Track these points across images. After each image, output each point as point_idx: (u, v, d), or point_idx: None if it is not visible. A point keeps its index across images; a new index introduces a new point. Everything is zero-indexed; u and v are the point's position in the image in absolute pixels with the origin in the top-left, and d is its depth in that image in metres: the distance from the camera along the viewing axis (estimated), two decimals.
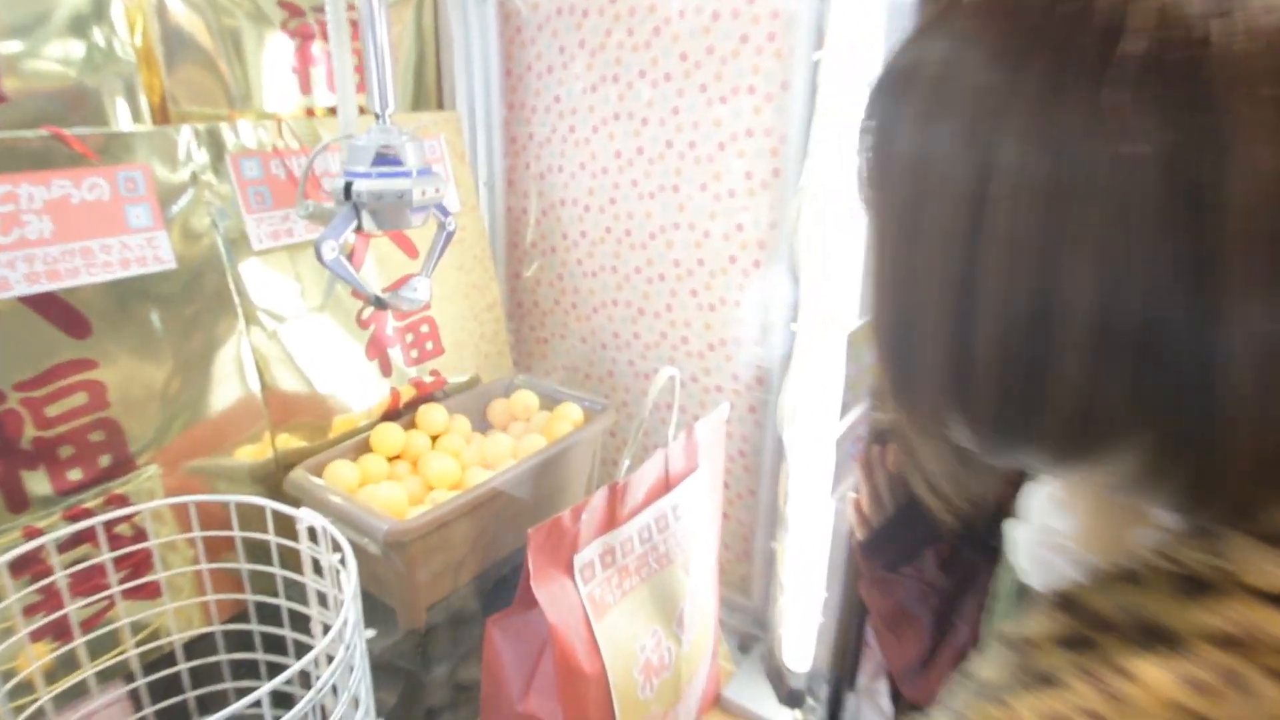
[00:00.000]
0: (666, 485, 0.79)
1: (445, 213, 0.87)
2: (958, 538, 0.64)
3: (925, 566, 0.64)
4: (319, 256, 0.76)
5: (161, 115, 0.82)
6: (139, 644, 0.74)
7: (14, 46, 0.71)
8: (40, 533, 0.69)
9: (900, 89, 0.35)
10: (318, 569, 0.68)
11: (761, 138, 0.95)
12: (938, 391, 0.34)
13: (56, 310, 0.70)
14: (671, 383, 0.79)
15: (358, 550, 0.77)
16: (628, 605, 0.74)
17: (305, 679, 0.72)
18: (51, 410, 0.71)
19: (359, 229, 0.80)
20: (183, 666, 0.75)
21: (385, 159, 0.78)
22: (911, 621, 0.63)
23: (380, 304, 0.82)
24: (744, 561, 1.11)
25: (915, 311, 0.34)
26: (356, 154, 0.79)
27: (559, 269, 1.20)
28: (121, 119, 0.79)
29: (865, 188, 0.37)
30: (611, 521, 0.73)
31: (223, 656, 0.77)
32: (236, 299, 0.82)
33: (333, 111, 0.95)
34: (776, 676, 1.03)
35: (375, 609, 0.85)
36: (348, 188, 0.78)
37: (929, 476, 0.42)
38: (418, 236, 1.00)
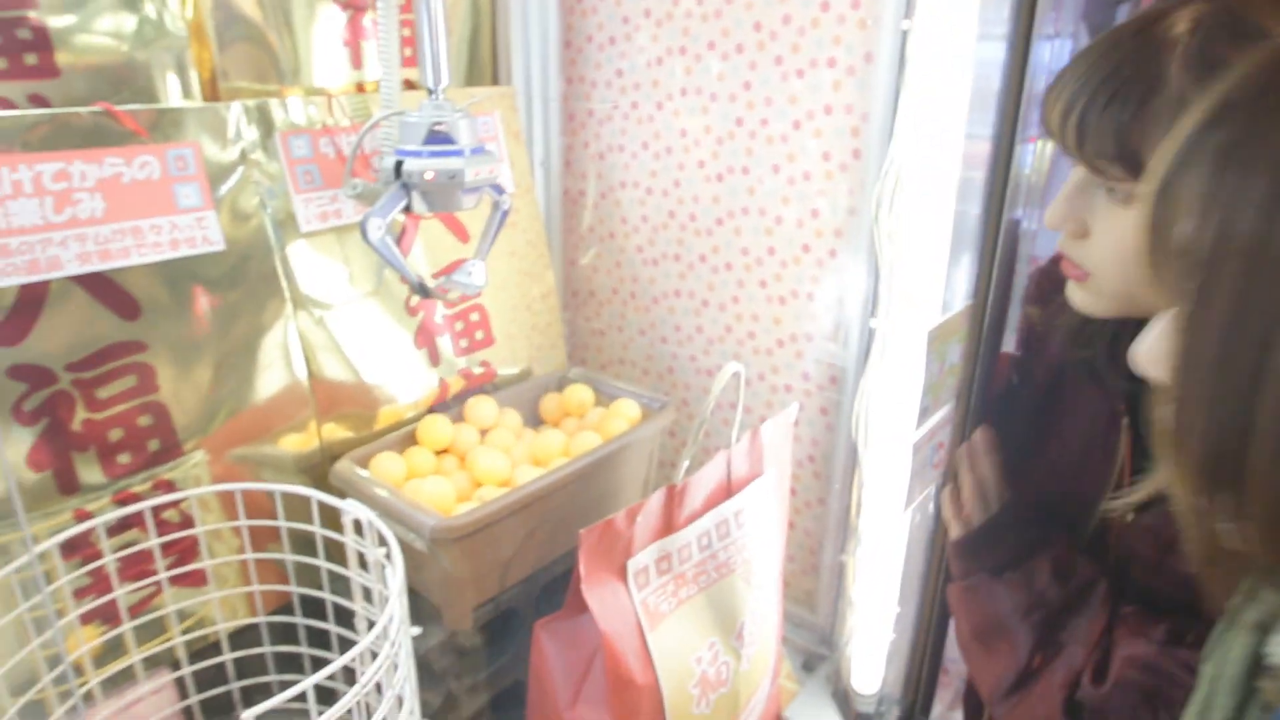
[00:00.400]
0: (728, 490, 0.79)
1: (500, 191, 0.88)
2: (1078, 546, 0.62)
3: (1035, 574, 0.62)
4: (364, 235, 0.78)
5: (211, 91, 0.85)
6: (185, 632, 0.78)
7: (66, 20, 0.75)
8: (90, 515, 0.73)
9: (1243, 165, 0.35)
10: (363, 564, 0.70)
11: (841, 115, 0.93)
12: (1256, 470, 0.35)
13: (107, 291, 0.74)
14: (736, 380, 0.79)
15: (404, 546, 0.79)
16: (684, 615, 0.74)
17: (349, 675, 0.74)
18: (102, 393, 0.74)
19: (408, 210, 0.81)
20: (228, 657, 0.78)
21: (437, 137, 0.79)
22: (1006, 635, 0.61)
23: (425, 292, 0.83)
24: (810, 575, 1.11)
25: (1238, 380, 0.35)
26: (408, 131, 0.80)
27: (618, 256, 1.20)
28: (172, 94, 0.82)
29: (1183, 256, 0.36)
30: (668, 526, 0.73)
31: (267, 649, 0.80)
32: (284, 283, 0.85)
33: None
34: (843, 699, 1.02)
35: (420, 607, 0.87)
36: (398, 167, 0.79)
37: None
38: (470, 219, 1.02)
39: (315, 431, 0.89)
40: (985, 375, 0.77)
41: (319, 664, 0.80)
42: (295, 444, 0.87)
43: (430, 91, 0.81)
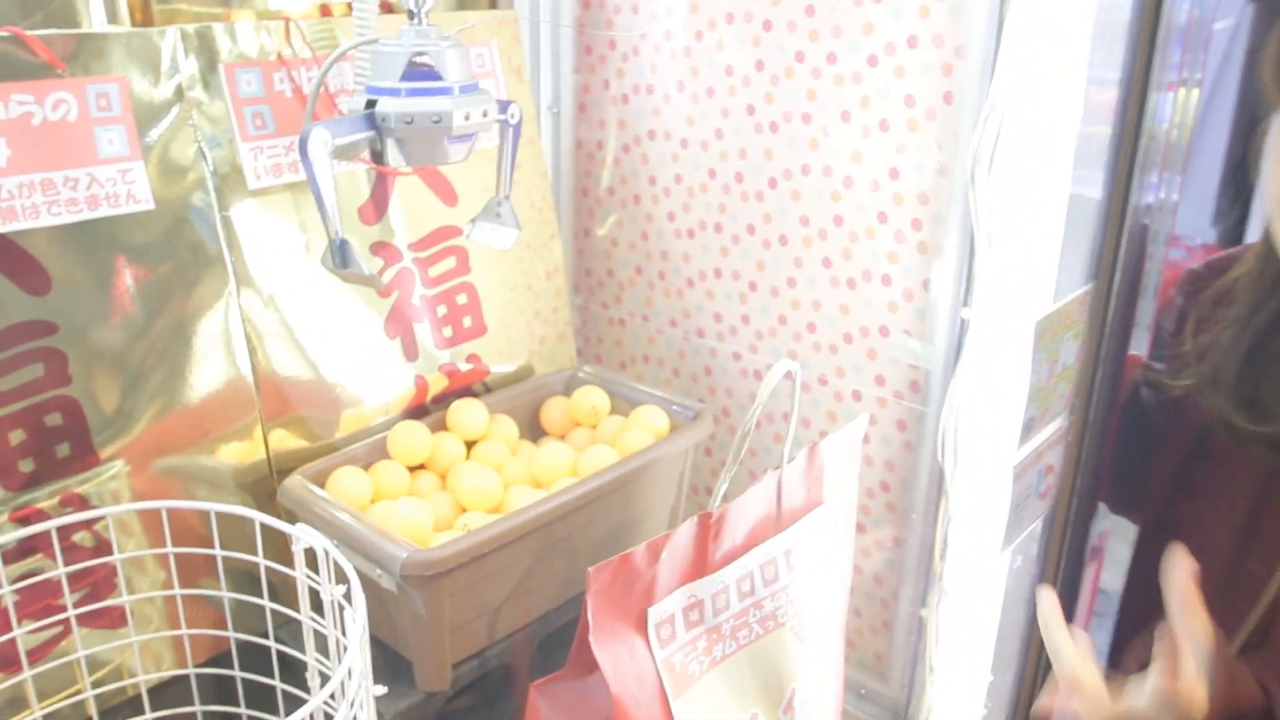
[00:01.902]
0: (778, 522, 0.79)
1: (503, 107, 0.88)
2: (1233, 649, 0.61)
3: None
4: (301, 150, 0.76)
5: (143, 14, 0.87)
6: (97, 684, 0.79)
7: None
8: None
9: None
10: (317, 604, 0.71)
11: (929, 49, 0.93)
12: None
13: (10, 259, 0.75)
14: (790, 383, 0.78)
15: (367, 584, 0.80)
16: (719, 679, 0.74)
17: None
18: (2, 384, 0.76)
19: (382, 163, 0.82)
20: (150, 717, 0.79)
21: (419, 71, 0.80)
22: None
23: (343, 260, 0.81)
24: (881, 633, 1.10)
25: None
26: (382, 64, 0.80)
27: (643, 226, 1.20)
28: (95, 18, 0.84)
29: None
30: (701, 565, 0.73)
31: (198, 708, 0.81)
32: (226, 253, 0.86)
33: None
34: None
35: (388, 662, 0.87)
36: (370, 108, 0.80)
37: None
38: (458, 176, 1.03)
39: (261, 439, 0.90)
40: (1109, 382, 0.76)
41: None
42: (236, 454, 0.88)
43: (411, 15, 0.81)
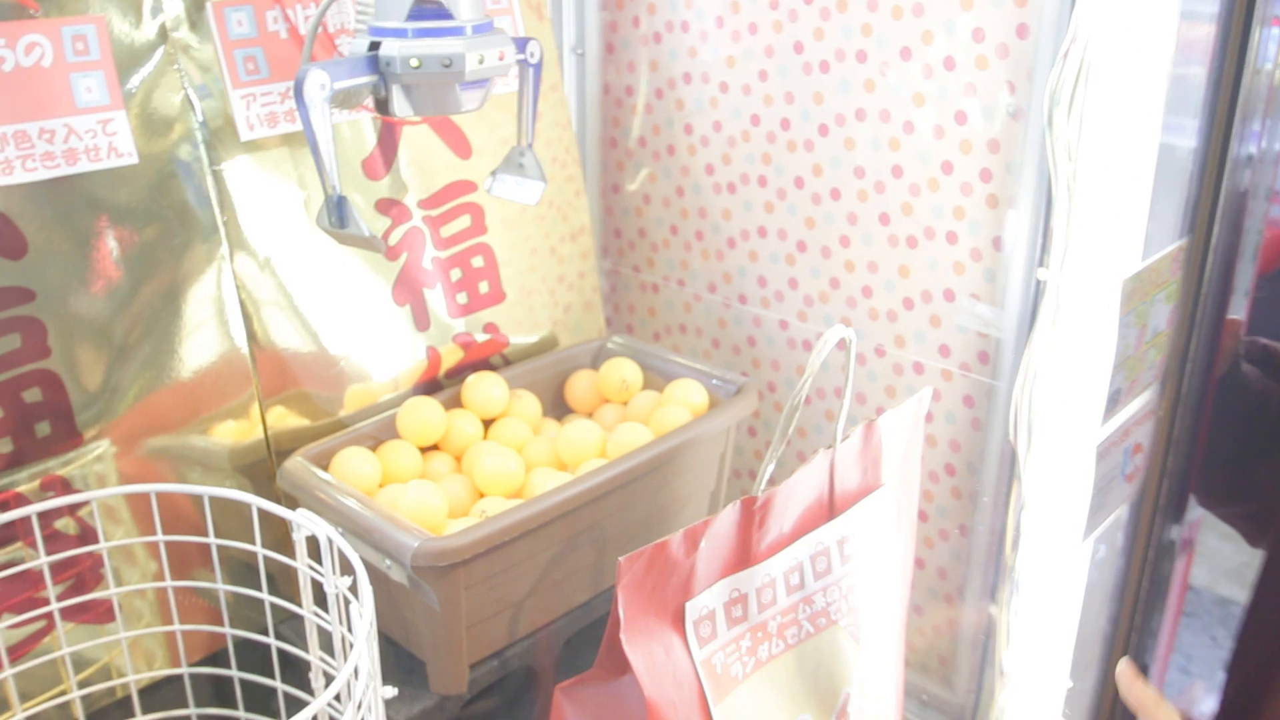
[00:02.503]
0: (831, 508, 0.78)
1: (522, 45, 0.87)
2: None
3: None
4: (296, 93, 0.76)
5: None
6: (83, 684, 0.80)
7: None
8: None
9: None
10: (321, 598, 0.71)
11: None
12: None
13: None
14: (844, 353, 0.78)
15: (376, 576, 0.81)
16: (764, 682, 0.74)
17: None
18: None
19: (386, 112, 0.82)
20: None
21: (428, 10, 0.79)
22: None
23: (339, 219, 0.81)
24: (946, 632, 1.10)
25: None
26: (387, 1, 0.80)
27: (678, 180, 1.19)
28: None
29: None
30: (745, 556, 0.72)
31: (192, 710, 0.81)
32: (217, 211, 0.86)
33: None
34: None
35: (400, 661, 0.88)
36: (373, 50, 0.79)
37: None
38: (471, 125, 1.03)
39: (258, 418, 0.90)
40: (1205, 349, 0.75)
41: None
42: (232, 434, 0.89)
43: None
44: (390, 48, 0.79)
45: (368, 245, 0.82)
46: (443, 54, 0.79)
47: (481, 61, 0.80)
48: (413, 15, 0.79)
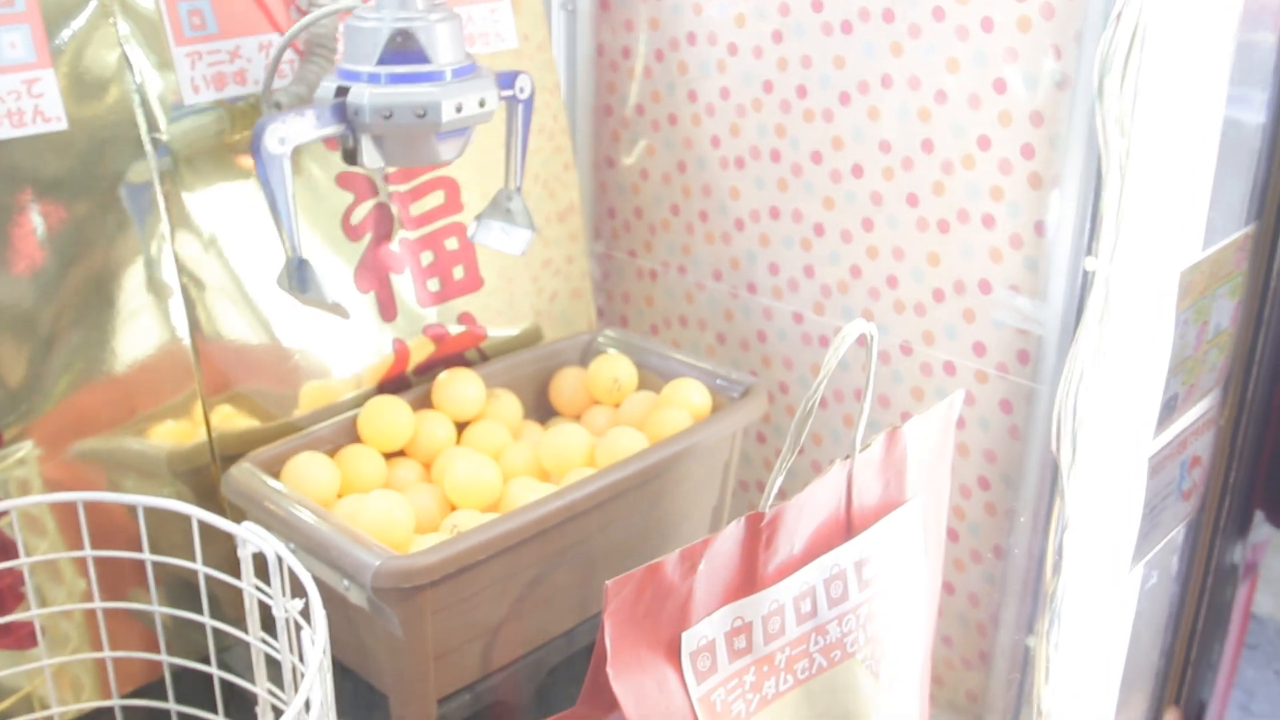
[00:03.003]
0: (848, 526, 0.78)
1: (509, 80, 0.90)
2: None
3: None
4: (254, 147, 0.77)
5: None
6: (2, 716, 0.80)
7: None
8: None
9: None
10: (269, 623, 0.71)
11: None
12: None
13: None
14: (865, 349, 0.77)
15: (332, 598, 0.80)
16: None
17: None
18: None
19: (355, 162, 0.83)
20: None
21: (401, 52, 0.80)
22: None
23: (301, 283, 0.83)
24: (976, 666, 1.10)
25: None
26: (356, 42, 0.81)
27: (681, 154, 1.19)
28: None
29: None
30: (750, 580, 0.72)
31: None
32: (157, 184, 0.86)
33: None
34: None
35: (359, 696, 0.88)
36: (340, 96, 0.80)
37: None
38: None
39: (201, 418, 0.90)
40: (1273, 349, 0.75)
41: None
42: (171, 436, 0.89)
43: None
44: (359, 95, 0.80)
45: (333, 311, 0.84)
46: (416, 103, 0.80)
47: (460, 110, 0.82)
48: (384, 58, 0.80)
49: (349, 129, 0.82)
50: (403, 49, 0.80)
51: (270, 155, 0.78)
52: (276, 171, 0.78)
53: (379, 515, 0.85)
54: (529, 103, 0.92)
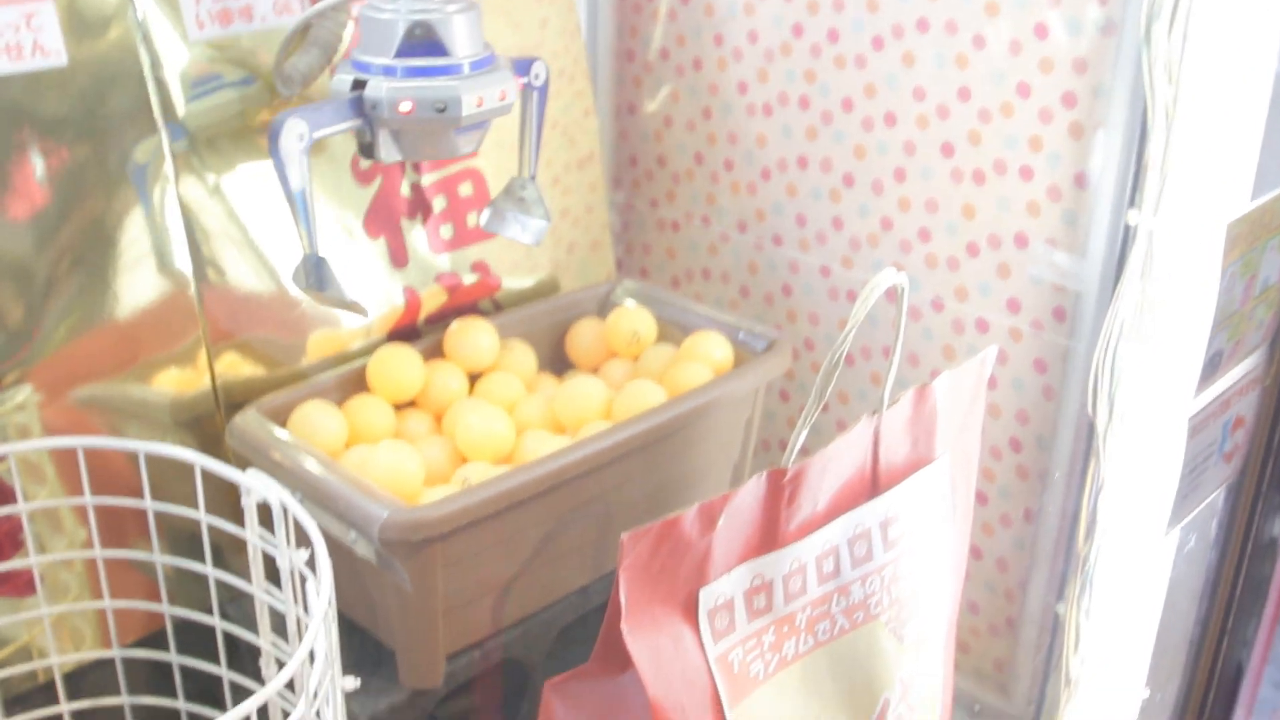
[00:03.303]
0: (874, 484, 0.78)
1: (524, 67, 0.90)
2: None
3: None
4: (272, 142, 0.78)
5: None
6: (0, 665, 0.80)
7: None
8: None
9: None
10: (274, 573, 0.71)
11: None
12: None
13: None
14: (895, 300, 0.77)
15: (340, 551, 0.80)
16: (789, 683, 0.74)
17: None
18: None
19: (373, 157, 0.84)
20: (65, 708, 0.80)
21: (419, 44, 0.81)
22: None
23: (318, 280, 0.83)
24: (1004, 633, 1.10)
25: None
26: (373, 33, 0.82)
27: (705, 100, 1.18)
28: None
29: None
30: (771, 537, 0.72)
31: (124, 699, 0.81)
32: (161, 126, 0.85)
33: None
34: None
35: (366, 651, 0.88)
36: (356, 89, 0.81)
37: None
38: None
39: (205, 365, 0.90)
40: None
41: None
42: (174, 383, 0.89)
43: None
44: (376, 89, 0.81)
45: (350, 308, 0.85)
46: (436, 97, 0.81)
47: (480, 104, 0.83)
48: (402, 51, 0.81)
49: (366, 123, 0.83)
50: (421, 41, 0.81)
51: (288, 152, 0.79)
52: (294, 168, 0.79)
53: (388, 466, 0.85)
54: (544, 89, 0.93)
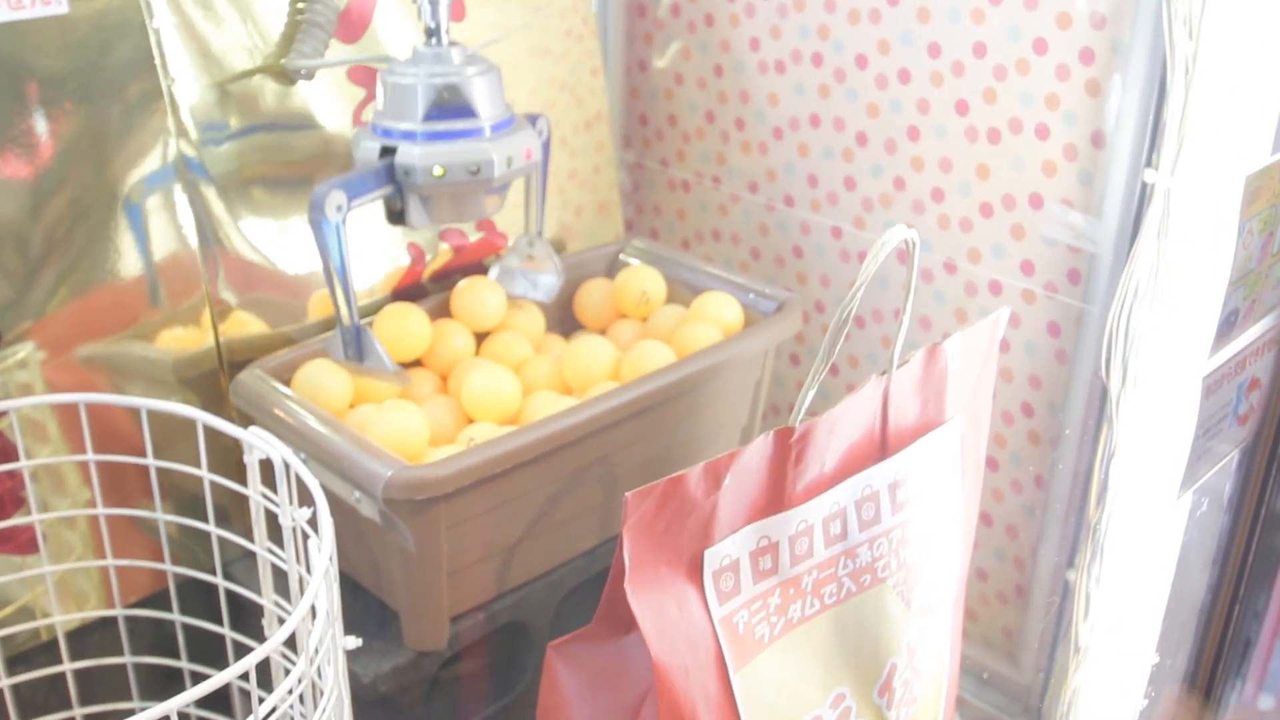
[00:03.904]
0: (883, 446, 0.77)
1: (532, 123, 0.92)
2: None
3: None
4: (314, 213, 0.79)
5: None
6: (1, 625, 0.80)
7: None
8: None
9: None
10: (276, 533, 0.71)
11: None
12: None
13: None
14: (906, 258, 0.76)
15: (344, 511, 0.80)
16: (795, 646, 0.74)
17: (246, 701, 0.75)
18: None
19: (402, 223, 0.86)
20: (67, 667, 0.81)
21: (445, 108, 0.83)
22: None
23: (358, 351, 0.85)
24: (1013, 601, 1.10)
25: None
26: (398, 99, 0.83)
27: (717, 57, 1.18)
28: None
29: None
30: (778, 498, 0.72)
31: (127, 659, 0.82)
32: (164, 78, 0.85)
33: None
34: None
35: (370, 611, 0.88)
36: (386, 154, 0.83)
37: None
38: None
39: (209, 324, 0.90)
40: None
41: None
42: (179, 342, 0.89)
43: (430, 33, 0.84)
44: (407, 155, 0.83)
45: (393, 380, 0.86)
46: (469, 160, 0.83)
47: (510, 164, 0.85)
48: (430, 115, 0.83)
49: (396, 189, 0.84)
50: (449, 105, 0.83)
51: (329, 223, 0.80)
52: (333, 238, 0.81)
53: (392, 426, 0.85)
54: (547, 144, 0.94)
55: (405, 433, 0.85)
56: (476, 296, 0.99)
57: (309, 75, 0.90)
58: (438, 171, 0.83)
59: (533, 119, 0.92)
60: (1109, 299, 0.92)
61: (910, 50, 1.03)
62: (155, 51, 0.84)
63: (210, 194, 0.88)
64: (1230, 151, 0.83)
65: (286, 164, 0.92)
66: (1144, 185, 0.89)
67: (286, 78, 0.90)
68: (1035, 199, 0.99)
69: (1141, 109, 0.91)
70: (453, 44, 0.85)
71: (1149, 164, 0.89)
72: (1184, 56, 0.84)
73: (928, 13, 1.01)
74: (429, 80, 0.83)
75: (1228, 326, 0.72)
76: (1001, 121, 0.99)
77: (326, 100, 0.93)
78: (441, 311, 0.99)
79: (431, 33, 0.85)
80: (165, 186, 0.86)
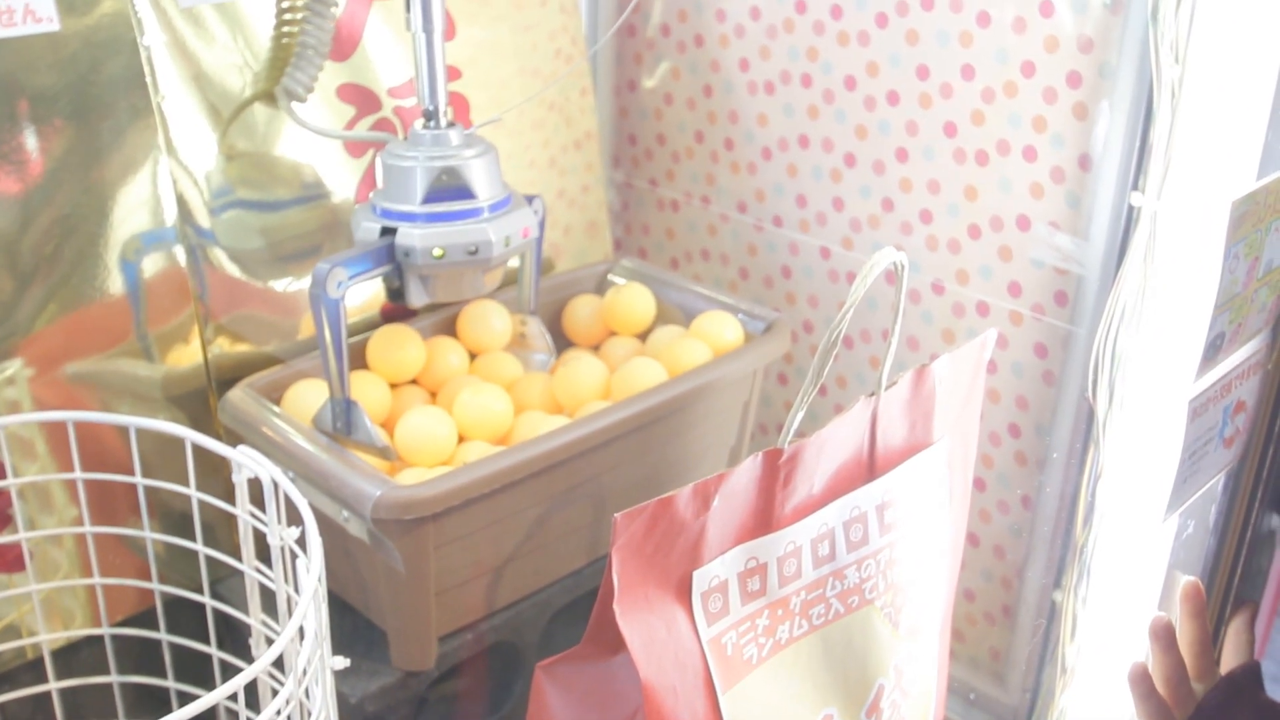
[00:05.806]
0: (870, 467, 0.77)
1: (529, 200, 0.93)
2: None
3: None
4: (315, 288, 0.81)
5: None
6: None
7: None
8: None
9: None
10: (264, 551, 0.71)
11: None
12: None
13: None
14: (895, 280, 0.76)
15: (332, 530, 0.80)
16: (783, 667, 0.74)
17: None
18: None
19: (401, 301, 0.87)
20: (53, 686, 0.80)
21: (444, 190, 0.84)
22: None
23: (347, 425, 0.85)
24: (1000, 621, 1.10)
25: None
26: (398, 181, 0.85)
27: (706, 77, 1.18)
28: None
29: None
30: (766, 519, 0.72)
31: (114, 678, 0.81)
32: (154, 95, 0.85)
33: None
34: None
35: (358, 631, 0.88)
36: (386, 234, 0.84)
37: None
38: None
39: (198, 342, 0.90)
40: None
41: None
42: (167, 360, 0.89)
43: (428, 116, 0.86)
44: (408, 235, 0.84)
45: (380, 455, 0.86)
46: (468, 240, 0.85)
47: (508, 243, 0.86)
48: (429, 197, 0.84)
49: (395, 269, 0.85)
50: (448, 187, 0.84)
51: (331, 300, 0.81)
52: (334, 314, 0.82)
53: (420, 430, 0.87)
54: (541, 223, 0.95)
55: (433, 438, 0.88)
56: (471, 318, 1.00)
57: (302, 99, 0.90)
58: (437, 253, 0.84)
59: (529, 199, 0.93)
60: (1096, 321, 0.92)
61: (899, 72, 1.04)
62: (146, 69, 0.84)
63: (200, 211, 0.88)
64: (1216, 176, 0.83)
65: (277, 183, 0.92)
66: (1130, 209, 0.89)
67: (282, 100, 0.90)
68: (1023, 221, 0.99)
69: (1128, 133, 0.91)
70: (451, 125, 0.86)
71: (1135, 187, 0.89)
72: (1170, 81, 0.85)
73: (916, 35, 1.01)
74: (428, 163, 0.84)
75: (1214, 350, 0.73)
76: (989, 144, 1.00)
77: (317, 120, 0.94)
78: (436, 330, 1.00)
79: (430, 115, 0.86)
80: (153, 200, 0.86)
